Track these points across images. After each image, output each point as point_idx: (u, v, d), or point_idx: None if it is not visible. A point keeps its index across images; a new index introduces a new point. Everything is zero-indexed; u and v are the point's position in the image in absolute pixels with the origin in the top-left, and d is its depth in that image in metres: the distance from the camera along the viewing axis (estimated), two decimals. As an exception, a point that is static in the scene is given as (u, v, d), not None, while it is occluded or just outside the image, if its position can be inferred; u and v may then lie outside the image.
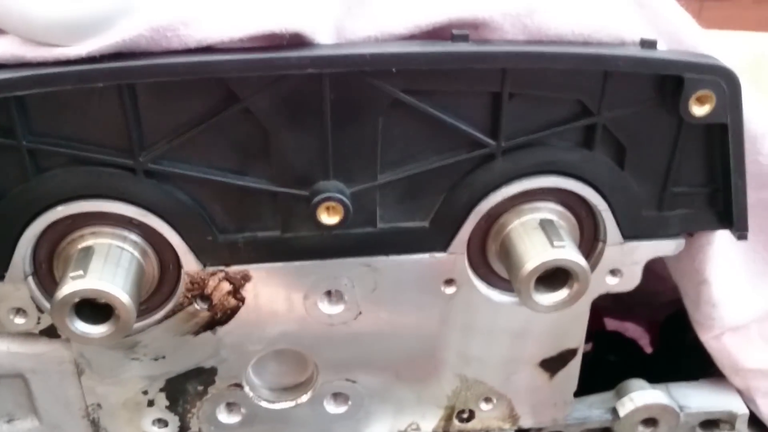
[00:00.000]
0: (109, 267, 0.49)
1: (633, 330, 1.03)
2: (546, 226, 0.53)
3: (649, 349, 0.99)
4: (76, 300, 0.47)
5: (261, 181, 0.51)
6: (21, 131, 0.47)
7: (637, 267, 0.59)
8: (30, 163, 0.48)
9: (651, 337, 1.00)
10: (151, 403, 0.59)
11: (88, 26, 0.44)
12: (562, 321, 0.60)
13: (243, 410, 0.61)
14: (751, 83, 0.55)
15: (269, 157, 0.50)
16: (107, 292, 0.47)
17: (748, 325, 0.66)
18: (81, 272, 0.48)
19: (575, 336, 0.62)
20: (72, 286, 0.47)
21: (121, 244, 0.51)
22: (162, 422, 0.61)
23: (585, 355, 0.79)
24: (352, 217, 0.51)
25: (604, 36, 0.49)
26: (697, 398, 0.70)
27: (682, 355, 0.82)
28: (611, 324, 1.00)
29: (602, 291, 0.59)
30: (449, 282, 0.57)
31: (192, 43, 0.45)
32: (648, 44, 0.50)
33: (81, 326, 0.48)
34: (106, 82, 0.45)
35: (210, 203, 0.52)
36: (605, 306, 0.94)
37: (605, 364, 0.89)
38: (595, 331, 0.95)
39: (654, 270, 0.71)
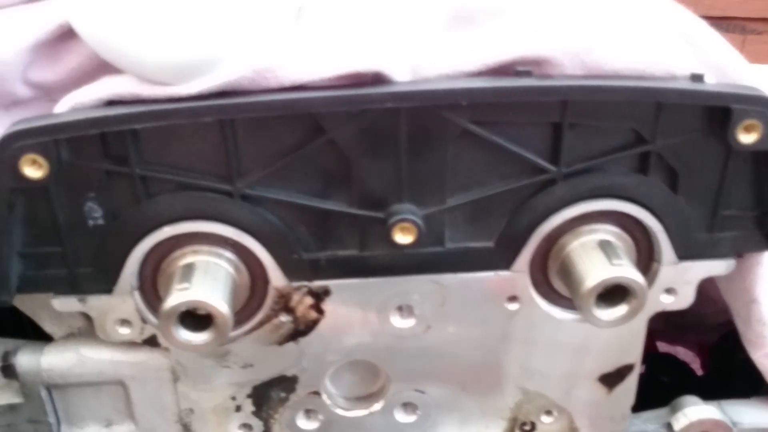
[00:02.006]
0: (209, 281, 0.55)
1: (683, 354, 1.05)
2: (605, 246, 0.57)
3: (700, 372, 1.01)
4: (182, 309, 0.53)
5: (342, 205, 0.57)
6: (134, 160, 0.53)
7: (691, 286, 0.62)
8: (141, 188, 0.54)
9: (701, 360, 1.02)
10: (238, 409, 0.64)
11: (196, 68, 0.50)
12: (620, 337, 0.64)
13: (320, 417, 0.66)
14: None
15: (350, 182, 0.56)
16: (210, 303, 0.53)
17: (800, 343, 0.68)
18: (186, 285, 0.53)
19: (633, 352, 0.65)
20: (179, 297, 0.53)
21: (217, 261, 0.57)
22: (247, 427, 0.66)
23: (638, 377, 0.82)
24: (423, 237, 0.56)
25: (657, 70, 0.54)
26: (750, 415, 0.72)
27: (733, 376, 0.84)
28: (663, 347, 1.02)
29: (658, 309, 0.63)
30: (512, 299, 0.61)
31: (287, 82, 0.51)
32: (697, 78, 0.54)
33: (185, 334, 0.54)
34: (213, 118, 0.51)
35: (296, 224, 0.57)
36: (657, 329, 0.97)
37: (658, 384, 0.91)
38: (647, 353, 0.98)
39: (705, 292, 0.74)
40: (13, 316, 0.68)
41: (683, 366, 0.96)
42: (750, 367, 0.72)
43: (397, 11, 0.53)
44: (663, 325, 0.93)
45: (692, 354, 1.05)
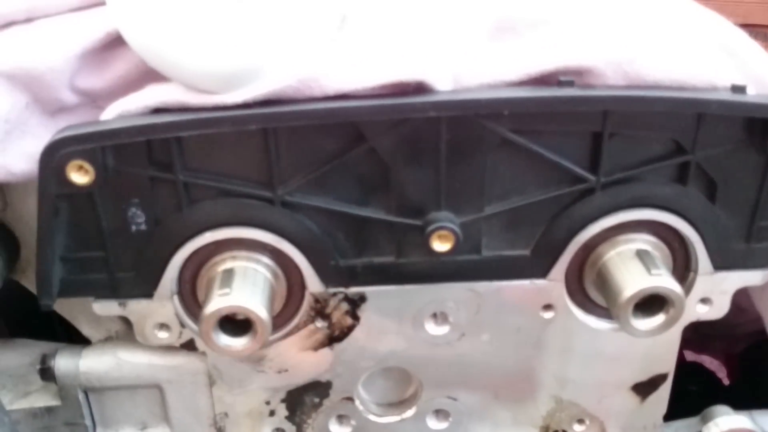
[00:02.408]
0: (248, 286, 0.55)
1: (710, 363, 1.05)
2: (643, 255, 0.57)
3: (726, 382, 1.00)
4: (223, 314, 0.53)
5: (380, 212, 0.57)
6: (178, 167, 0.54)
7: (726, 296, 0.62)
8: (184, 194, 0.55)
9: (728, 370, 1.02)
10: (272, 413, 0.65)
11: (241, 77, 0.51)
12: (655, 347, 0.64)
13: (353, 422, 0.66)
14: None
15: (388, 190, 0.56)
16: (250, 309, 0.53)
17: (833, 354, 0.68)
18: (227, 290, 0.54)
19: (667, 361, 0.65)
20: (220, 302, 0.53)
21: (256, 266, 0.57)
22: (281, 431, 0.66)
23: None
24: (460, 245, 0.56)
25: (698, 81, 0.54)
26: (783, 425, 0.72)
27: (762, 385, 0.84)
28: (689, 357, 1.02)
29: (693, 319, 0.63)
30: (547, 307, 0.62)
31: (330, 91, 0.51)
32: (738, 89, 0.54)
33: (225, 339, 0.55)
34: (257, 126, 0.52)
35: (334, 231, 0.58)
36: (684, 338, 0.97)
37: (686, 394, 0.91)
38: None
39: (735, 302, 0.74)
40: (46, 319, 0.69)
41: (711, 375, 0.95)
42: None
43: (440, 21, 0.53)
44: (691, 334, 0.93)
45: (718, 363, 1.05)
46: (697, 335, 0.93)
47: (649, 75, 0.53)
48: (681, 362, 0.98)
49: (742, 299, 0.71)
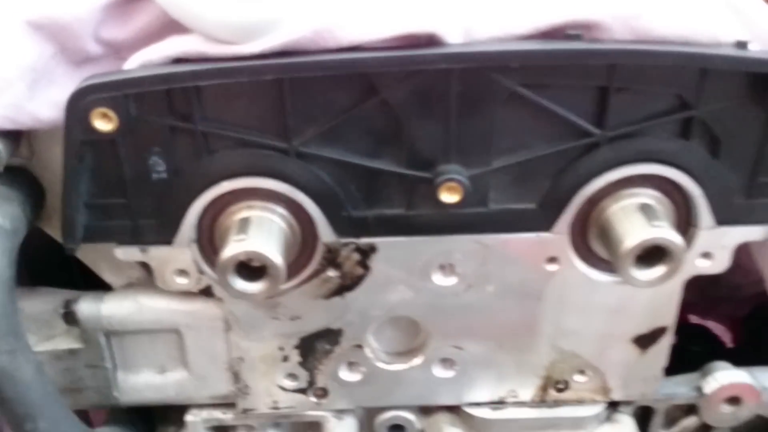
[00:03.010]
0: (263, 234, 0.58)
1: (715, 328, 1.07)
2: (645, 208, 0.59)
3: (730, 346, 1.02)
4: (240, 259, 0.55)
5: (391, 164, 0.59)
6: (197, 117, 0.56)
7: (727, 251, 0.64)
8: (203, 144, 0.57)
9: (732, 334, 1.04)
10: (285, 359, 0.68)
11: (258, 28, 0.53)
12: (655, 299, 0.66)
13: (363, 369, 0.69)
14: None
15: (399, 143, 0.58)
16: (265, 254, 0.56)
17: (833, 312, 0.70)
18: (243, 236, 0.56)
19: (667, 314, 0.67)
20: (236, 247, 0.56)
21: (271, 216, 0.60)
22: (293, 376, 0.69)
23: (670, 347, 0.84)
24: (468, 197, 0.58)
25: (703, 37, 0.55)
26: (782, 381, 0.74)
27: (765, 347, 0.86)
28: (694, 321, 1.04)
29: (694, 273, 0.65)
30: (552, 260, 0.64)
31: (345, 42, 0.53)
32: (741, 45, 0.56)
33: (240, 283, 0.57)
34: (274, 76, 0.54)
35: (346, 183, 0.60)
36: (690, 301, 0.98)
37: (689, 354, 0.93)
38: (679, 324, 1.00)
39: (739, 262, 0.75)
40: (66, 269, 0.71)
41: (715, 337, 0.97)
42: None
43: (452, -24, 0.55)
44: (698, 297, 0.94)
45: (723, 328, 1.06)
46: (701, 299, 0.95)
47: (654, 30, 0.54)
48: (685, 324, 1.00)
49: (744, 259, 0.73)
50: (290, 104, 0.55)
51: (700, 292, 0.93)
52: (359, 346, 0.67)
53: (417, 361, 0.69)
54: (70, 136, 0.54)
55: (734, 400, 0.73)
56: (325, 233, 0.61)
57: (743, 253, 0.71)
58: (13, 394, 0.55)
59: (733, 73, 0.55)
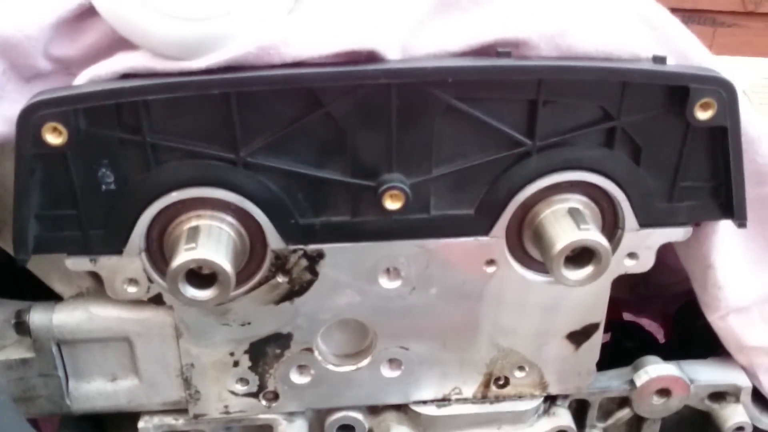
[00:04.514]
0: (213, 242, 0.59)
1: (648, 325, 1.12)
2: (573, 213, 0.63)
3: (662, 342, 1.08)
4: (190, 267, 0.57)
5: (336, 174, 0.62)
6: (146, 129, 0.57)
7: (651, 251, 0.68)
8: (151, 155, 0.58)
9: (665, 331, 1.09)
10: (236, 364, 0.69)
11: (204, 45, 0.55)
12: (586, 298, 0.70)
13: (312, 372, 0.71)
14: (761, 104, 0.65)
15: (344, 153, 0.61)
16: (214, 262, 0.58)
17: (750, 307, 0.75)
18: (193, 245, 0.58)
19: (597, 312, 0.71)
20: (187, 255, 0.57)
21: (220, 224, 0.61)
22: (244, 381, 0.71)
23: (604, 345, 0.89)
24: (410, 204, 0.61)
25: (623, 53, 0.59)
26: (706, 373, 0.79)
27: (693, 342, 0.91)
28: (628, 319, 1.09)
29: (621, 272, 0.69)
30: (490, 262, 0.67)
31: (288, 58, 0.56)
32: (659, 60, 0.60)
33: (191, 291, 0.59)
34: (219, 90, 0.56)
35: (294, 192, 0.62)
36: (623, 299, 1.03)
37: (623, 350, 0.98)
38: (613, 322, 1.05)
39: (666, 262, 0.81)
40: (14, 282, 0.72)
41: (647, 334, 1.02)
42: (708, 333, 0.79)
43: (390, -5, 0.58)
44: (628, 295, 1.00)
45: (656, 326, 1.12)
46: (635, 297, 1.01)
47: (578, 47, 0.58)
48: (620, 322, 1.06)
49: (672, 260, 0.78)
50: (237, 117, 0.58)
51: (632, 291, 0.98)
52: (309, 350, 0.70)
53: (365, 362, 0.71)
54: (21, 150, 0.55)
55: (664, 392, 0.78)
56: (274, 241, 0.63)
57: (670, 253, 0.76)
58: None
59: (651, 86, 0.60)
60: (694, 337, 0.89)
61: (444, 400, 0.75)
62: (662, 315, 1.07)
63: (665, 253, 0.74)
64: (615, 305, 1.04)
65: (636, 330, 1.02)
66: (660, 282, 0.94)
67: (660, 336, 1.10)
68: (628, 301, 1.04)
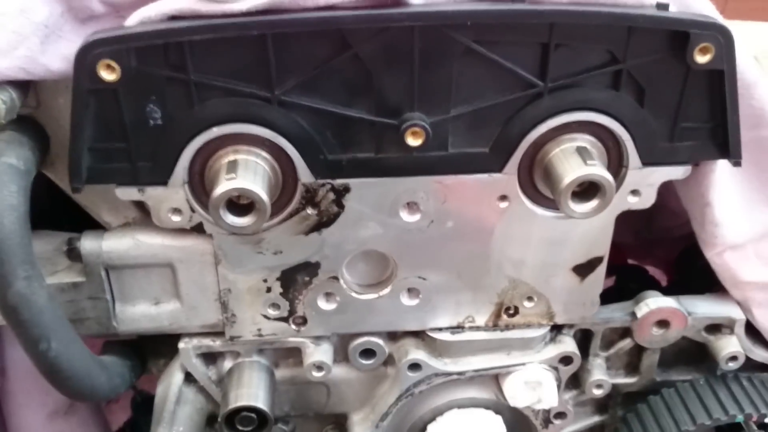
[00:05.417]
0: (250, 174, 0.65)
1: (652, 272, 1.18)
2: (581, 151, 0.68)
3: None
4: (232, 195, 0.63)
5: (362, 112, 0.67)
6: (191, 68, 0.63)
7: (653, 189, 0.73)
8: (195, 93, 0.64)
9: (668, 277, 1.15)
10: (269, 290, 0.76)
11: (245, -11, 0.60)
12: (592, 232, 0.75)
13: (338, 299, 0.77)
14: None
15: (369, 93, 0.66)
16: (252, 190, 0.63)
17: (745, 244, 0.79)
18: (233, 175, 0.64)
19: (602, 246, 0.77)
20: (227, 185, 0.63)
21: (256, 159, 0.67)
22: (276, 306, 0.77)
23: (609, 287, 0.94)
24: (430, 141, 0.67)
25: (629, 0, 0.64)
26: (703, 306, 0.84)
27: (693, 283, 0.96)
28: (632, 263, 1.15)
29: (624, 208, 0.74)
30: (503, 198, 0.72)
31: (321, 2, 0.61)
32: (662, 6, 0.65)
33: (231, 218, 0.64)
34: (258, 32, 0.61)
35: (323, 129, 0.67)
36: (628, 245, 1.09)
37: (628, 292, 1.03)
38: (618, 265, 1.10)
39: (669, 207, 0.86)
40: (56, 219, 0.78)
41: (650, 277, 1.08)
42: (706, 275, 0.84)
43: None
44: (632, 240, 1.05)
45: (660, 273, 1.18)
46: (639, 243, 1.06)
47: (588, -7, 0.63)
48: (624, 265, 1.11)
49: (673, 203, 0.83)
50: (273, 57, 0.63)
51: (636, 236, 1.03)
52: (335, 278, 0.76)
53: (386, 291, 0.77)
54: (78, 86, 0.61)
55: (663, 324, 0.83)
56: (304, 175, 0.69)
57: (671, 196, 0.81)
58: (29, 316, 0.61)
59: (654, 31, 0.64)
60: (693, 279, 0.94)
61: (458, 328, 0.81)
62: (665, 261, 1.12)
63: (667, 196, 0.79)
64: (620, 250, 1.09)
65: (639, 272, 1.07)
66: (662, 226, 0.99)
67: (662, 282, 1.15)
68: (633, 246, 1.10)
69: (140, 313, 0.76)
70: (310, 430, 0.90)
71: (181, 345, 0.79)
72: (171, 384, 0.80)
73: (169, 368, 0.81)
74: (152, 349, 0.85)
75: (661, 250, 1.08)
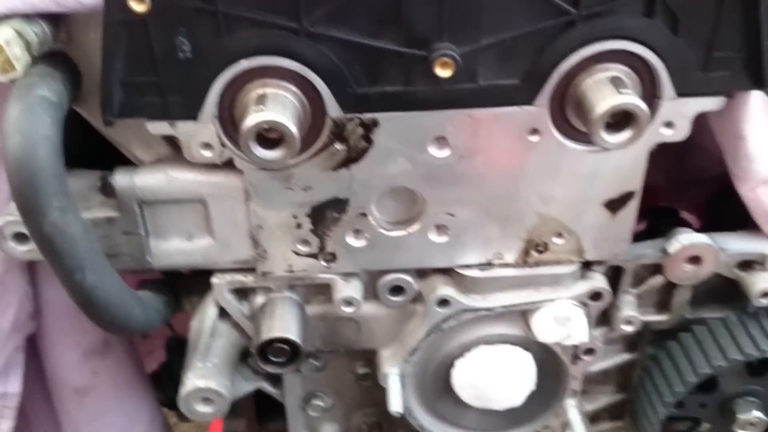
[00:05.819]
0: (279, 107, 0.65)
1: (684, 215, 1.16)
2: (614, 80, 0.66)
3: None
4: (262, 127, 0.63)
5: (390, 44, 0.66)
6: (219, -1, 0.63)
7: (687, 120, 0.72)
8: (223, 24, 0.64)
9: (700, 222, 1.14)
10: (299, 226, 0.76)
11: None
12: (624, 166, 0.74)
13: (367, 236, 0.77)
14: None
15: (398, 23, 0.65)
16: (281, 122, 0.63)
17: (778, 180, 0.78)
18: (262, 107, 0.64)
19: (634, 180, 0.76)
20: (257, 117, 0.63)
21: (284, 92, 0.67)
22: (306, 242, 0.77)
23: (641, 231, 0.93)
24: (459, 73, 0.66)
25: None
26: (735, 243, 0.83)
27: (725, 225, 0.95)
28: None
29: (658, 140, 0.73)
30: (534, 131, 0.72)
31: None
32: (698, -71, 0.63)
33: (261, 150, 0.65)
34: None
35: (351, 61, 0.67)
36: (660, 187, 1.07)
37: (659, 234, 1.02)
38: (650, 208, 1.09)
39: (701, 144, 0.84)
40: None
41: (682, 219, 1.06)
42: (738, 215, 0.83)
43: None
44: (664, 181, 1.04)
45: (692, 217, 1.16)
46: (670, 185, 1.05)
47: None
48: (656, 207, 1.10)
49: (706, 140, 0.81)
50: (300, -14, 0.62)
51: (667, 177, 1.02)
52: (364, 215, 0.76)
53: (414, 227, 0.77)
54: (109, 17, 0.61)
55: (695, 260, 0.83)
56: (333, 109, 0.69)
57: (704, 133, 0.79)
58: (64, 247, 0.62)
59: (690, -44, 0.63)
60: (726, 222, 0.93)
61: (487, 264, 0.81)
62: (696, 204, 1.11)
63: (699, 133, 0.77)
64: (651, 193, 1.08)
65: (671, 213, 1.06)
66: (694, 165, 0.98)
67: (695, 225, 1.14)
68: (664, 189, 1.08)
69: (174, 248, 0.77)
70: (341, 366, 0.92)
71: (214, 280, 0.80)
72: (205, 318, 0.81)
73: (203, 303, 0.83)
74: (185, 287, 0.87)
75: (693, 192, 1.07)
